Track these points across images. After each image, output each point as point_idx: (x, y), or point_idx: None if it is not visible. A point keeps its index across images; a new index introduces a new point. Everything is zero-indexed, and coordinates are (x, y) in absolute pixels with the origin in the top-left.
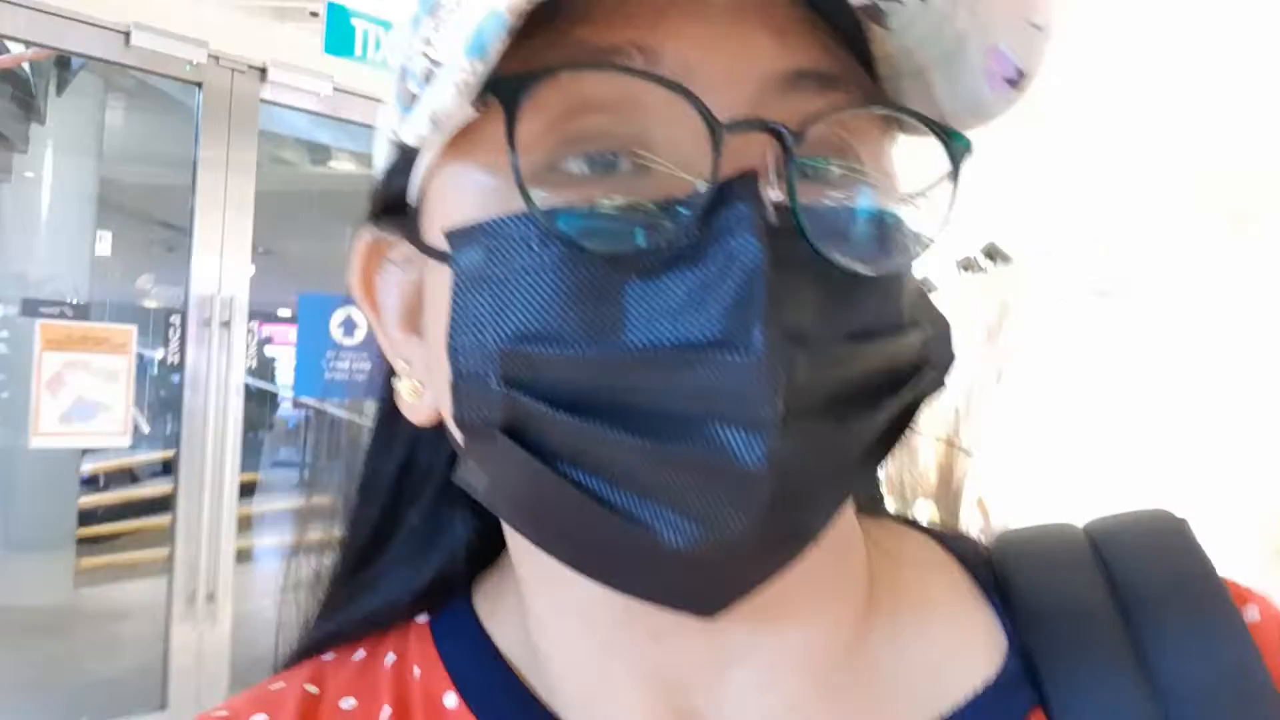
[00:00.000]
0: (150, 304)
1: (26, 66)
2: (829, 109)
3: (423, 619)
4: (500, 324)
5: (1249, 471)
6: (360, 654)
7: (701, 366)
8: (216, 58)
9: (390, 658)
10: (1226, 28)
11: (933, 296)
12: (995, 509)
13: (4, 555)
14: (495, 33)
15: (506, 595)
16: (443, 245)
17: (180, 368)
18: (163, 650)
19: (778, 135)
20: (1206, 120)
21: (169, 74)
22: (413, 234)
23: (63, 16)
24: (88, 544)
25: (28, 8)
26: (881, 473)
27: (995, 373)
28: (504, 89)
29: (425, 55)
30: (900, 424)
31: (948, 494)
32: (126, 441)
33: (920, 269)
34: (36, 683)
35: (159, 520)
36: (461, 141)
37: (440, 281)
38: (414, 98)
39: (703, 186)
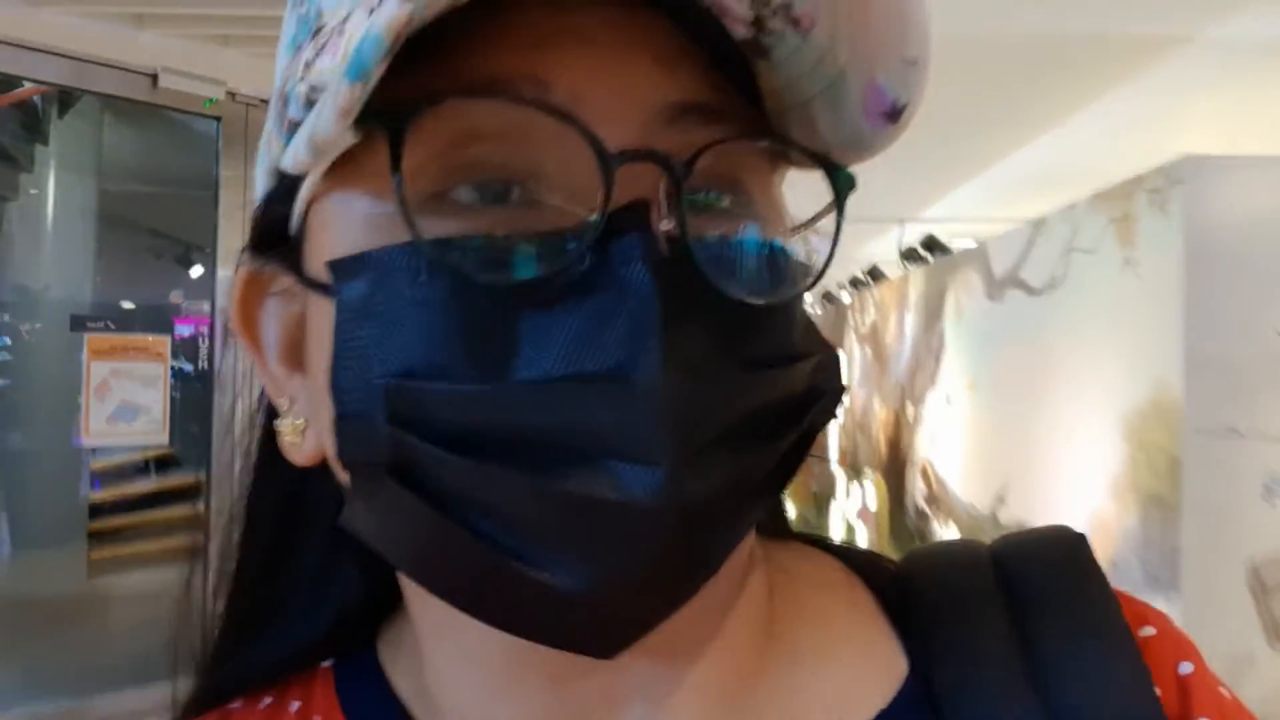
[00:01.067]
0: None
1: (37, 97)
2: (716, 141)
3: (327, 664)
4: (385, 359)
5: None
6: (267, 701)
7: (595, 401)
8: (233, 94)
9: (295, 705)
10: None
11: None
12: (937, 476)
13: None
14: (374, 55)
15: (407, 641)
16: (325, 277)
17: (209, 373)
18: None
19: (667, 166)
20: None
21: (191, 110)
22: (294, 265)
23: (97, 63)
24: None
25: (67, 56)
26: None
27: (934, 355)
28: (389, 116)
29: (306, 80)
30: (798, 452)
31: (896, 463)
32: (164, 439)
33: (826, 277)
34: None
35: (170, 512)
36: (344, 170)
37: (323, 315)
38: (295, 125)
39: (593, 217)
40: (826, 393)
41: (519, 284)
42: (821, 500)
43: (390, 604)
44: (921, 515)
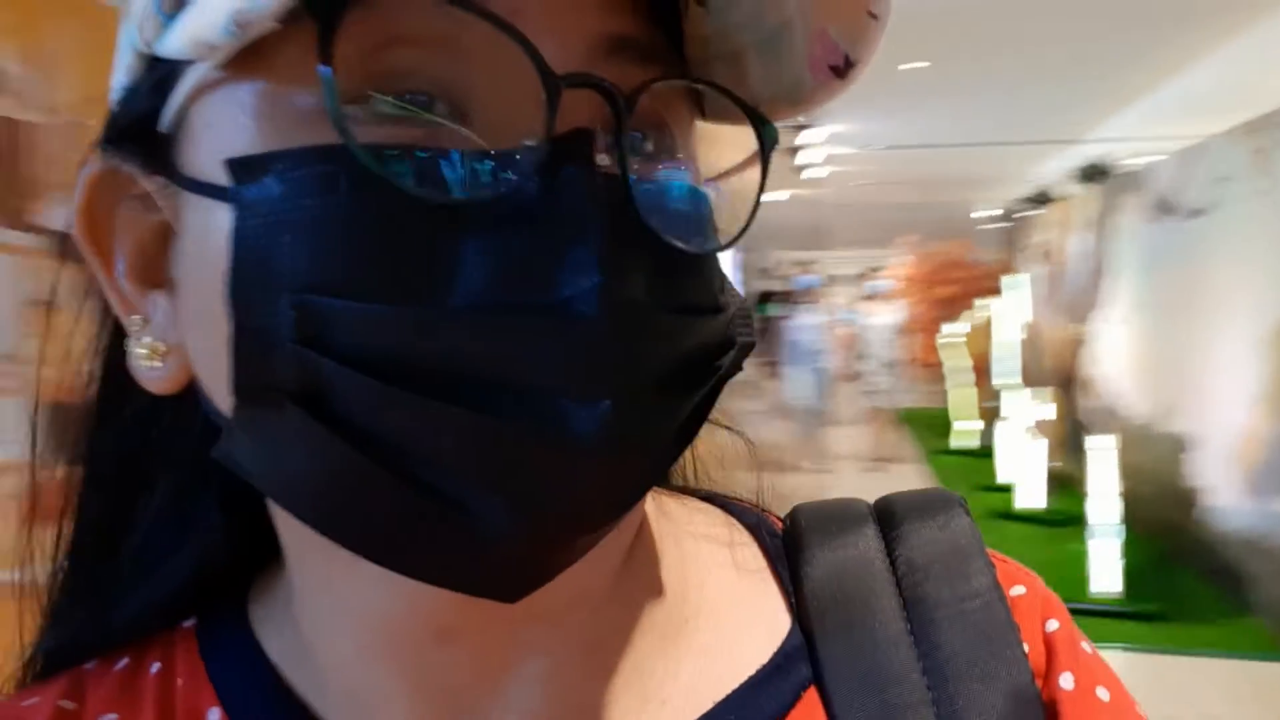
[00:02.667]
0: None
1: None
2: (657, 78)
3: (189, 624)
4: (296, 272)
5: None
6: (124, 662)
7: (535, 333)
8: None
9: (155, 667)
10: None
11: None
12: (1101, 391)
13: None
14: None
15: (280, 597)
16: (216, 178)
17: None
18: None
19: (612, 98)
20: None
21: None
22: (164, 165)
23: None
24: None
25: None
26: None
27: (1099, 275)
28: (321, 2)
29: None
30: (706, 403)
31: (1069, 379)
32: None
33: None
34: None
35: None
36: (245, 61)
37: (210, 221)
38: (180, 3)
39: (536, 142)
40: (739, 344)
41: (456, 203)
42: (991, 416)
43: (262, 556)
44: (1087, 428)
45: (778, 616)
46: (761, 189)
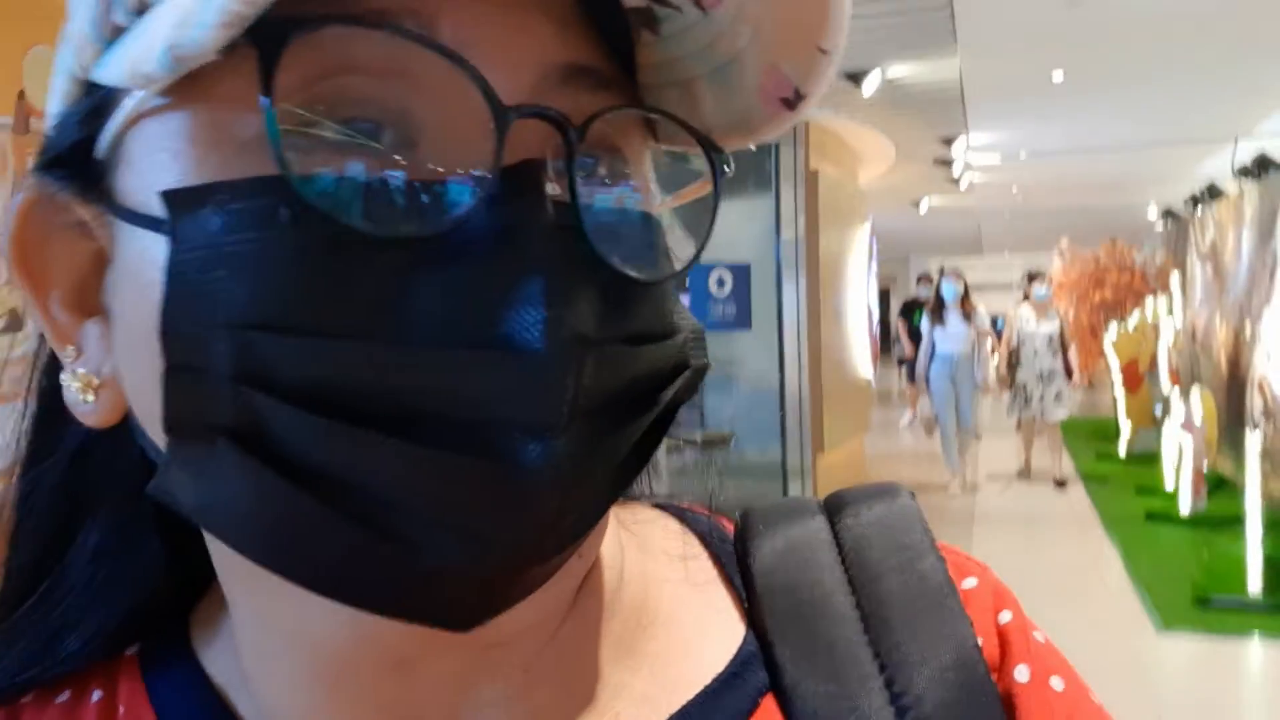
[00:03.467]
0: None
1: None
2: (610, 107)
3: (132, 651)
4: (233, 307)
5: None
6: (64, 696)
7: (481, 369)
8: None
9: (96, 695)
10: None
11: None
12: (1273, 392)
13: None
14: None
15: (222, 622)
16: (151, 209)
17: None
18: None
19: (562, 128)
20: None
21: None
22: (99, 194)
23: None
24: None
25: None
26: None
27: (1269, 271)
28: (262, 33)
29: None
30: (661, 425)
31: (1236, 379)
32: None
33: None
34: None
35: None
36: (184, 89)
37: (144, 253)
38: (118, 30)
39: (484, 174)
40: (691, 368)
41: (400, 236)
42: (1159, 421)
43: (204, 581)
44: (1258, 427)
45: (732, 625)
46: (714, 215)
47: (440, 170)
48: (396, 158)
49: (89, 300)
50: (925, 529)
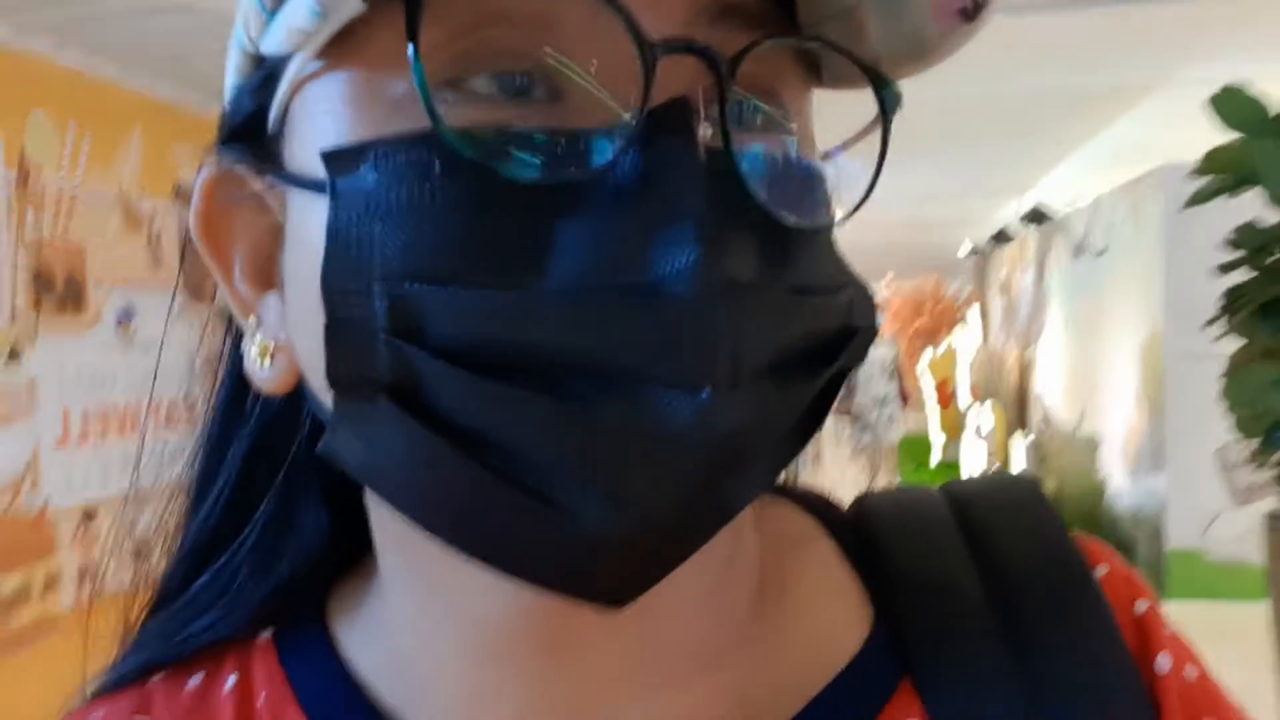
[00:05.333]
0: None
1: None
2: (761, 38)
3: (267, 635)
4: (388, 261)
5: None
6: (198, 678)
7: (631, 317)
8: None
9: (232, 680)
10: None
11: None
12: (1045, 404)
13: None
14: None
15: (366, 605)
16: (315, 172)
17: None
18: None
19: (712, 62)
20: None
21: None
22: (272, 163)
23: None
24: None
25: None
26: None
27: (1042, 304)
28: None
29: None
30: (827, 395)
31: (1021, 395)
32: None
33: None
34: None
35: None
36: (338, 51)
37: (310, 216)
38: (280, 0)
39: (630, 115)
40: (860, 330)
41: (548, 184)
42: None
43: (336, 570)
44: (1030, 433)
45: (859, 610)
46: (883, 156)
47: (588, 114)
48: (544, 107)
49: (268, 272)
50: (1054, 514)
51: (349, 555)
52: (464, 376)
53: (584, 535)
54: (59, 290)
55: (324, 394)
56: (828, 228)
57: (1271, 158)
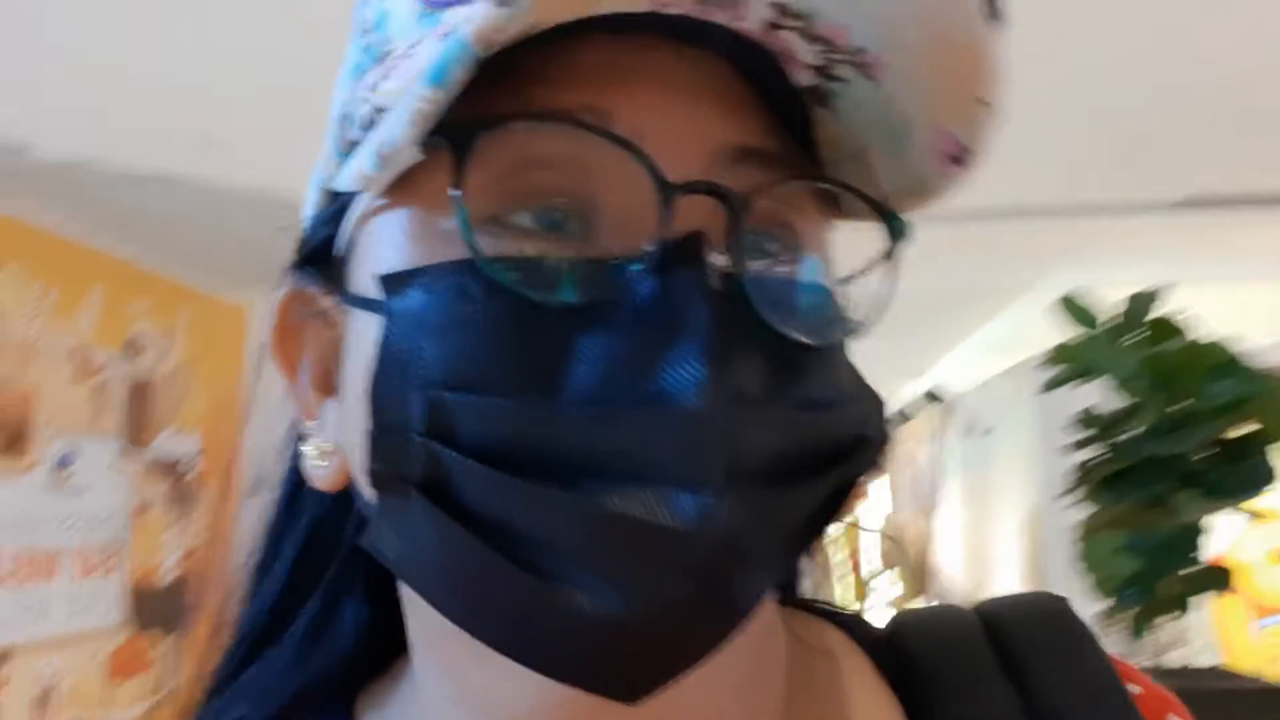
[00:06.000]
0: None
1: None
2: (776, 180)
3: None
4: (427, 372)
5: None
6: None
7: (639, 424)
8: None
9: None
10: None
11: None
12: (943, 573)
13: None
14: (459, 60)
15: (396, 702)
16: (372, 293)
17: None
18: None
19: (726, 201)
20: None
21: None
22: (338, 284)
23: None
24: None
25: None
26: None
27: (938, 478)
28: (454, 131)
29: (369, 101)
30: (836, 501)
31: (922, 563)
32: None
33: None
34: None
35: None
36: (399, 189)
37: (366, 332)
38: (353, 144)
39: (650, 247)
40: (871, 439)
41: (570, 306)
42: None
43: (368, 672)
44: (932, 596)
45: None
46: (894, 282)
47: (614, 247)
48: (577, 241)
49: (329, 381)
50: (1087, 630)
51: (382, 660)
52: (489, 473)
53: (593, 620)
54: (3, 436)
55: (368, 491)
56: (838, 345)
57: (1105, 353)
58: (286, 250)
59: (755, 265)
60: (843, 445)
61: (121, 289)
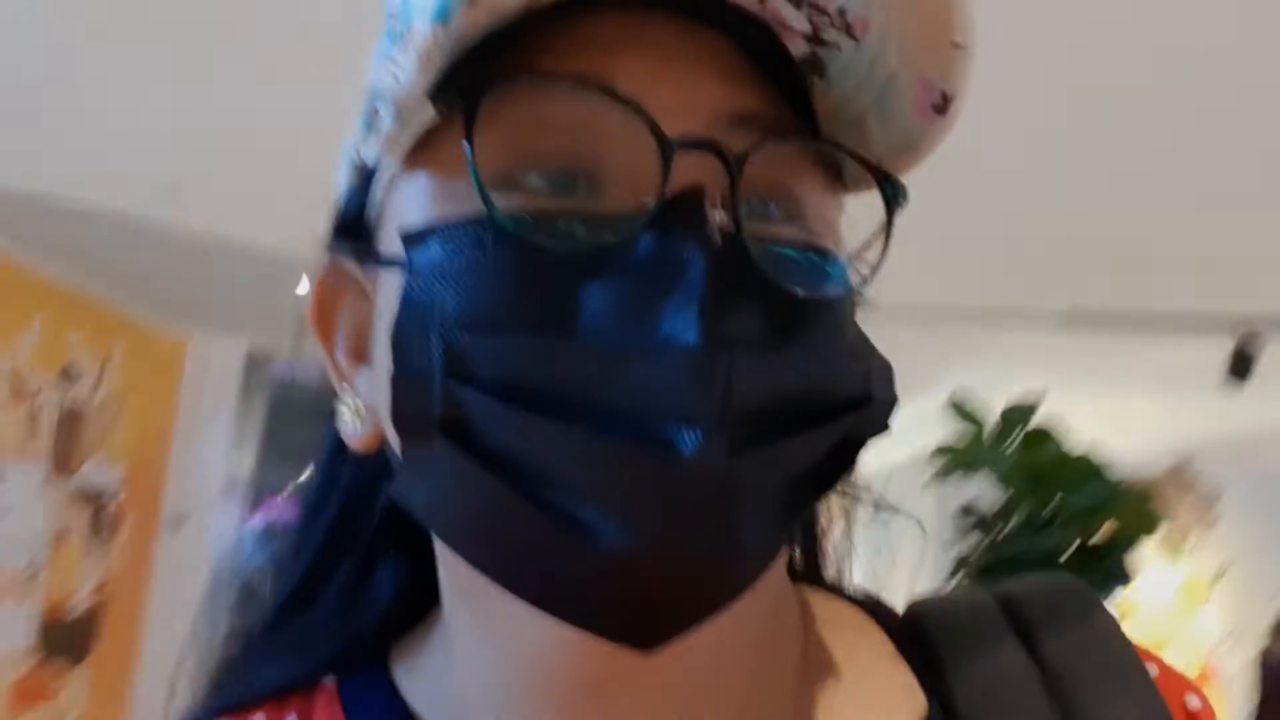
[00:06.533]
0: None
1: None
2: (771, 137)
3: (330, 681)
4: (446, 319)
5: None
6: (258, 717)
7: (643, 362)
8: None
9: (291, 718)
10: None
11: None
12: None
13: None
14: None
15: (429, 652)
16: (397, 253)
17: None
18: None
19: (723, 156)
20: None
21: None
22: (369, 252)
23: None
24: None
25: None
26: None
27: (849, 558)
28: (465, 90)
29: (390, 74)
30: (842, 458)
31: None
32: None
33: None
34: None
35: None
36: (419, 156)
37: (392, 289)
38: (377, 113)
39: (650, 201)
40: (875, 398)
41: (577, 254)
42: None
43: (401, 625)
44: None
45: (913, 697)
46: (888, 240)
47: (619, 203)
48: (584, 197)
49: (363, 349)
50: (1104, 608)
51: (414, 613)
52: (505, 410)
53: (603, 557)
54: None
55: (394, 436)
56: (841, 305)
57: (985, 454)
58: (229, 292)
59: (755, 227)
60: (844, 399)
61: (62, 316)
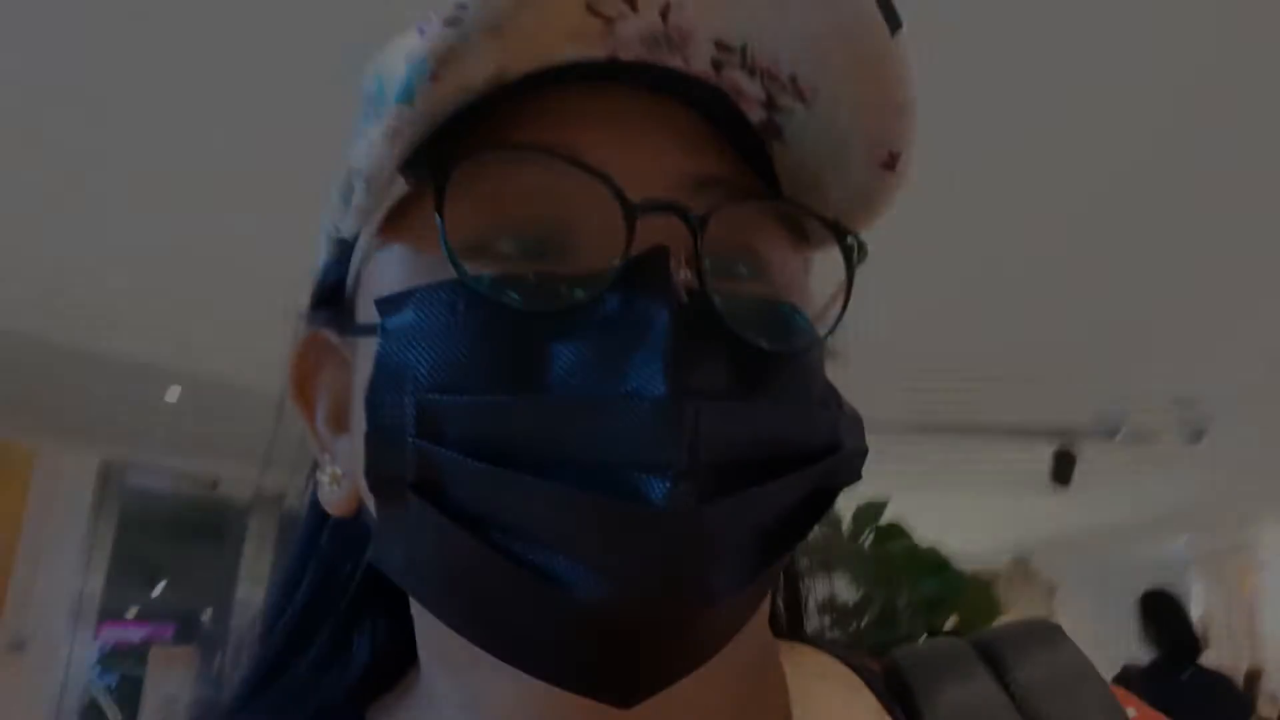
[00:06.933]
0: None
1: None
2: (733, 199)
3: None
4: (418, 379)
5: None
6: None
7: (610, 414)
8: None
9: None
10: None
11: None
12: None
13: None
14: (419, 73)
15: (407, 715)
16: (374, 319)
17: None
18: None
19: (684, 217)
20: None
21: None
22: (348, 321)
23: None
24: None
25: None
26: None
27: None
28: (435, 164)
29: (364, 150)
30: (815, 510)
31: None
32: None
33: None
34: None
35: None
36: (394, 225)
37: (366, 356)
38: (352, 188)
39: (616, 262)
40: (844, 447)
41: (546, 314)
42: None
43: (377, 691)
44: None
45: None
46: (848, 295)
47: (587, 265)
48: (554, 260)
49: (343, 418)
50: (1079, 651)
51: (392, 674)
52: (476, 467)
53: (577, 607)
54: None
55: (370, 497)
56: (807, 358)
57: (842, 549)
58: (81, 399)
59: (719, 281)
60: (813, 448)
61: None
